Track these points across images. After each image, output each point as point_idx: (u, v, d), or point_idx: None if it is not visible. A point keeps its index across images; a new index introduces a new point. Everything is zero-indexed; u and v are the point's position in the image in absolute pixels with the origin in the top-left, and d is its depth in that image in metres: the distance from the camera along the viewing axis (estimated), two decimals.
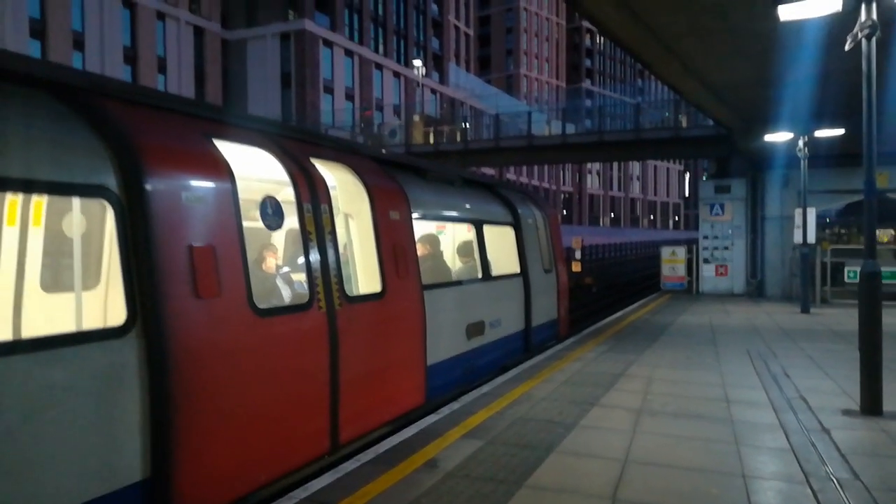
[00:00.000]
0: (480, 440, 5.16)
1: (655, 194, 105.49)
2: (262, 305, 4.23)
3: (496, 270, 8.43)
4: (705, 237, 20.06)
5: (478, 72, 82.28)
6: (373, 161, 6.36)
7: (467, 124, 41.06)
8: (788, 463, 4.74)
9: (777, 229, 18.98)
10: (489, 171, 41.42)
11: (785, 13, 6.85)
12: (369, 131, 42.02)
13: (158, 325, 3.39)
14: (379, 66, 56.28)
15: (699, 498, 4.07)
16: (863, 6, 5.96)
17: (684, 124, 26.95)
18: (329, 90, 50.02)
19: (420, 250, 6.80)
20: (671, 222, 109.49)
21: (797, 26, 8.51)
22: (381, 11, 57.25)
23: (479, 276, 8.05)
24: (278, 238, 5.82)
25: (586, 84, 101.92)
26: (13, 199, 3.96)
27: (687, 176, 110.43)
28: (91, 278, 3.96)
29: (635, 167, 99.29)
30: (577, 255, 20.02)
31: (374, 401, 5.44)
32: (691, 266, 20.49)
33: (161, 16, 42.33)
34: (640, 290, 25.57)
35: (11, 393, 2.77)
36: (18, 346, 3.06)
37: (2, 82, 3.20)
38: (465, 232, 8.33)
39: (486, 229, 8.37)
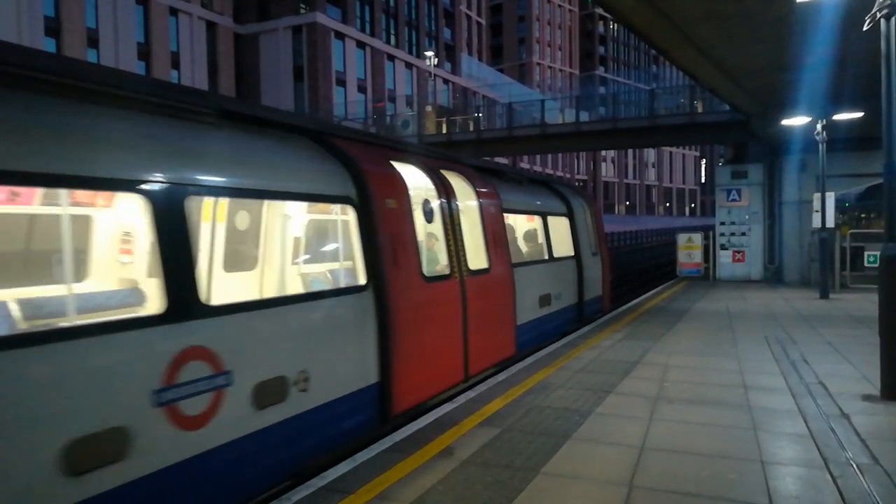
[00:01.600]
0: (496, 428, 5.18)
1: (671, 181, 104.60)
2: (427, 274, 6.11)
3: (557, 253, 10.24)
4: (722, 223, 19.87)
5: (490, 61, 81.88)
6: (472, 168, 8.16)
7: (480, 114, 40.92)
8: (807, 448, 4.71)
9: (795, 214, 18.74)
10: (502, 159, 41.30)
11: None
12: (382, 122, 42.04)
13: (379, 285, 5.26)
14: (391, 58, 56.18)
15: (717, 484, 4.06)
16: None
17: (700, 110, 26.66)
18: (341, 82, 50.04)
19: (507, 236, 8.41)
20: (687, 209, 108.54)
21: (814, 8, 8.39)
22: (392, 2, 57.09)
23: (546, 257, 9.87)
24: (434, 228, 6.99)
25: (600, 71, 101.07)
26: (310, 205, 5.87)
27: (703, 162, 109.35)
28: (347, 254, 5.56)
29: (650, 154, 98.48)
30: None
31: (487, 348, 7.26)
32: (708, 252, 20.33)
33: (174, 11, 42.54)
34: (657, 278, 25.42)
35: (324, 318, 4.76)
36: (325, 293, 5.08)
37: (284, 132, 5.10)
38: (534, 221, 10.07)
39: (549, 219, 10.19)
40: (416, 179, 6.52)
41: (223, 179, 4.10)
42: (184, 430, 3.46)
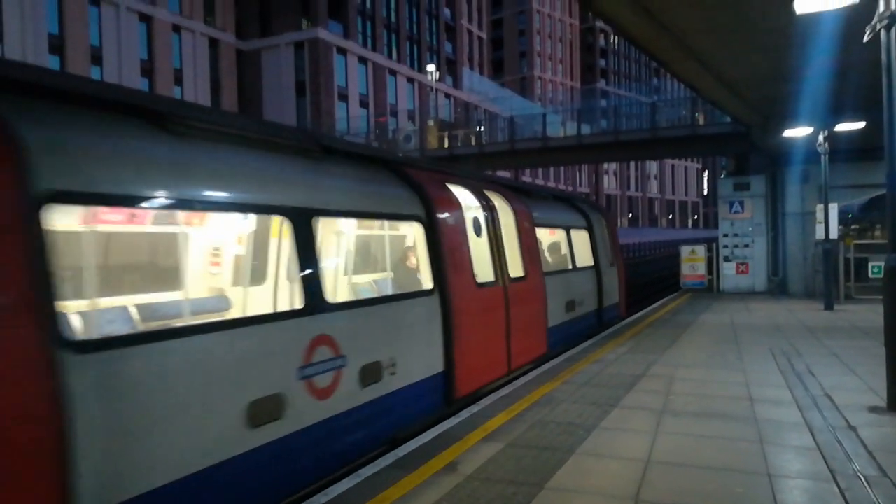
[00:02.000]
0: (500, 443, 5.14)
1: (674, 193, 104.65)
2: (478, 281, 6.99)
3: (579, 264, 11.23)
4: (725, 235, 19.82)
5: (491, 75, 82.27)
6: (507, 188, 9.10)
7: (482, 127, 41.04)
8: (814, 461, 4.67)
9: (798, 225, 18.70)
10: (505, 173, 41.35)
11: (802, 6, 6.77)
12: (384, 137, 42.19)
13: (443, 290, 6.25)
14: (393, 72, 56.52)
15: (723, 498, 4.01)
16: None
17: (701, 122, 26.72)
18: (343, 97, 50.31)
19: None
20: (690, 221, 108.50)
21: (814, 19, 8.41)
22: (393, 18, 57.51)
23: (570, 267, 10.83)
24: (481, 241, 7.73)
25: (601, 84, 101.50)
26: (391, 224, 6.71)
27: (706, 174, 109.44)
28: (418, 264, 6.63)
29: (652, 166, 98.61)
30: None
31: (524, 346, 8.14)
32: (711, 264, 20.28)
33: (177, 28, 42.89)
34: (660, 291, 25.33)
35: (405, 316, 5.76)
36: (407, 295, 6.05)
37: (367, 162, 6.15)
38: (560, 234, 10.93)
39: (572, 232, 11.19)
40: (466, 199, 7.46)
41: (335, 204, 5.21)
42: (316, 399, 4.47)
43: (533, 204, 9.59)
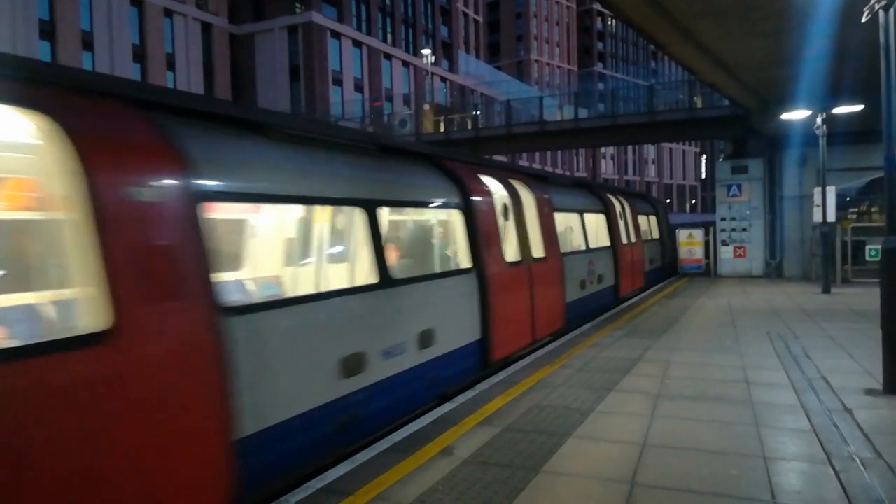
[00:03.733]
0: (497, 427, 5.14)
1: (671, 177, 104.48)
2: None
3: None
4: (723, 219, 19.81)
5: (488, 59, 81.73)
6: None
7: (478, 111, 40.83)
8: (810, 443, 4.67)
9: (796, 209, 18.68)
10: (501, 157, 41.22)
11: None
12: (379, 122, 41.97)
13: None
14: (388, 56, 56.07)
15: (719, 480, 4.02)
16: None
17: (699, 105, 26.55)
18: (338, 81, 49.93)
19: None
20: (688, 205, 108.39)
21: (812, 1, 8.33)
22: (388, 1, 56.98)
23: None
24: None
25: (598, 67, 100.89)
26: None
27: (703, 158, 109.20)
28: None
29: (650, 150, 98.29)
30: None
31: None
32: (709, 248, 20.28)
33: (169, 13, 42.42)
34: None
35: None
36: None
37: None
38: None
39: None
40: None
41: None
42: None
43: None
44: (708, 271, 20.08)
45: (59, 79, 3.61)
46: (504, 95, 44.95)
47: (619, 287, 13.85)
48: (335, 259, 5.96)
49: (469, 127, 33.35)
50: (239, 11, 48.99)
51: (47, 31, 35.35)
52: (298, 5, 48.42)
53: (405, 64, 58.41)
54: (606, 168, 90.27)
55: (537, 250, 9.04)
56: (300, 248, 5.92)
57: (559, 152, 75.19)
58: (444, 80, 63.28)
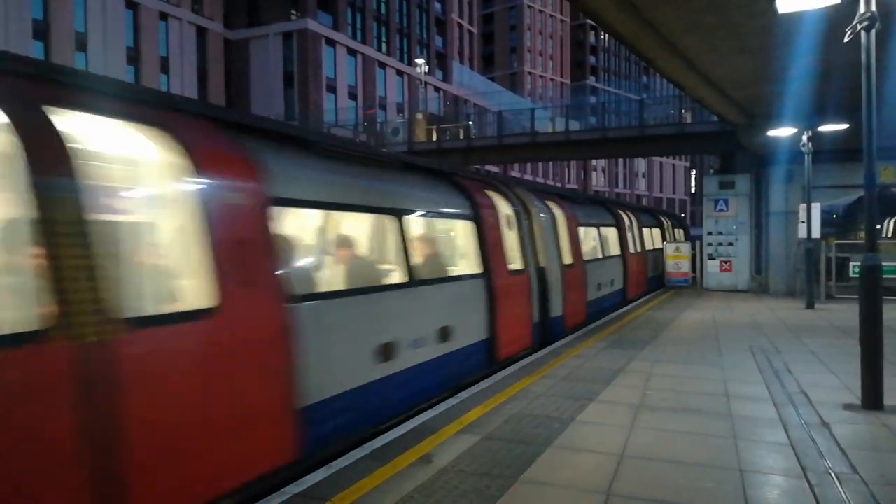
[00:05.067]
0: (476, 436, 5.15)
1: (661, 191, 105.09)
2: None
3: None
4: (710, 233, 19.95)
5: (481, 70, 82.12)
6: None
7: (471, 122, 40.97)
8: (787, 457, 4.71)
9: (781, 225, 18.84)
10: (493, 168, 41.29)
11: (784, 6, 6.79)
12: (372, 130, 42.03)
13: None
14: (382, 65, 56.23)
15: (694, 492, 4.04)
16: None
17: (688, 120, 26.82)
18: (332, 89, 49.99)
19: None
20: None
21: (797, 19, 8.45)
22: (383, 10, 57.19)
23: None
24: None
25: (591, 81, 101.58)
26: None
27: (693, 172, 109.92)
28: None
29: (640, 164, 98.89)
30: None
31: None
32: (696, 262, 20.40)
33: (164, 16, 42.42)
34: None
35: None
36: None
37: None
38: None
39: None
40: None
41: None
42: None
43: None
44: (695, 285, 20.19)
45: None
46: (497, 106, 45.16)
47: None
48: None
49: (461, 137, 33.48)
50: (234, 17, 49.02)
51: (41, 30, 35.25)
52: (294, 12, 48.52)
53: (399, 73, 58.59)
54: (597, 180, 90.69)
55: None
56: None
57: (550, 164, 75.53)
58: (437, 89, 63.51)
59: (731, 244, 19.73)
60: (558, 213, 11.00)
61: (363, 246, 6.55)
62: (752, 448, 4.90)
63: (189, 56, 44.11)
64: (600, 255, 13.66)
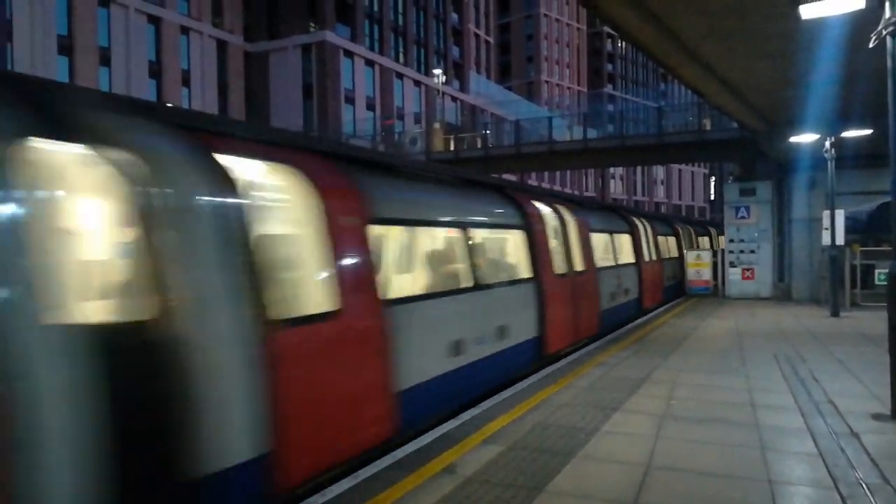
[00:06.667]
0: (500, 446, 5.13)
1: (680, 198, 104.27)
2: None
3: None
4: (731, 240, 19.74)
5: (498, 79, 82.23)
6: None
7: (488, 131, 41.00)
8: (816, 468, 4.64)
9: (804, 232, 18.58)
10: (510, 176, 41.28)
11: (807, 12, 6.75)
12: (390, 140, 42.22)
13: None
14: (400, 76, 56.53)
15: (723, 503, 3.99)
16: (887, 2, 5.84)
17: (708, 127, 26.62)
18: (350, 100, 50.34)
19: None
20: None
21: (819, 25, 8.37)
22: (401, 21, 57.54)
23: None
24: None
25: (608, 89, 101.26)
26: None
27: (712, 179, 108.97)
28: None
29: (659, 171, 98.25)
30: None
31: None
32: (717, 270, 20.19)
33: (185, 30, 43.04)
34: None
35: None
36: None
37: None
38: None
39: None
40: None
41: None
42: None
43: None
44: (716, 293, 19.98)
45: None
46: (514, 115, 45.16)
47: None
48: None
49: (479, 146, 33.53)
50: (254, 30, 49.60)
51: (66, 46, 35.93)
52: (312, 25, 48.99)
53: (416, 83, 58.85)
54: (615, 188, 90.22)
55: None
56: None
57: (568, 172, 75.31)
58: (454, 99, 63.67)
59: (752, 251, 19.49)
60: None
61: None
62: (780, 458, 4.84)
63: (210, 69, 44.70)
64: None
